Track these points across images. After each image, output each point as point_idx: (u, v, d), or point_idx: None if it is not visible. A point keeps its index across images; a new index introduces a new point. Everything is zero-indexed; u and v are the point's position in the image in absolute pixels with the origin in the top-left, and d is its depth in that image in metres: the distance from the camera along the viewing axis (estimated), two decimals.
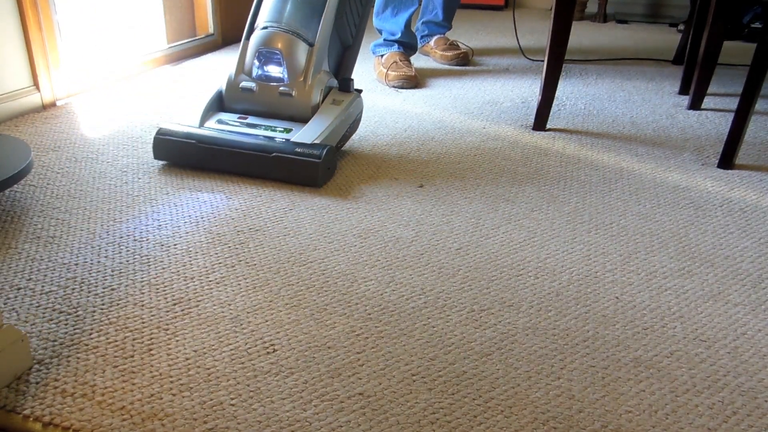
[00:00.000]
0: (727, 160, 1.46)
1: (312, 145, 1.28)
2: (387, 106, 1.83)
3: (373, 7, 2.16)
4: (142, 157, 1.41)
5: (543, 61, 1.68)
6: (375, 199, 1.25)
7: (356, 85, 1.49)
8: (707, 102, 1.91)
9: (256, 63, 1.38)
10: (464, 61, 2.32)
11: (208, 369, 0.79)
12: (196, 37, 2.40)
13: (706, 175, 1.42)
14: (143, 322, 0.87)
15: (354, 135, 1.52)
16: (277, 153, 1.28)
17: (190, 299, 0.92)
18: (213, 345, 0.83)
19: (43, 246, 1.05)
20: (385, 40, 2.18)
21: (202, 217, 1.16)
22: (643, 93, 2.04)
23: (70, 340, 0.83)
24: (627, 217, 1.21)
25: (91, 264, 1.00)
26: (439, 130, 1.65)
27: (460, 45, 2.37)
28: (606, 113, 1.84)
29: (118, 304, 0.91)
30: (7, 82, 1.59)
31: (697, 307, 0.94)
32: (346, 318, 0.89)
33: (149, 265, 1.00)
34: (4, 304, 0.90)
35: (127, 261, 1.01)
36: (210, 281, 0.97)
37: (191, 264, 1.01)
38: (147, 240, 1.08)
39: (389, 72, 2.05)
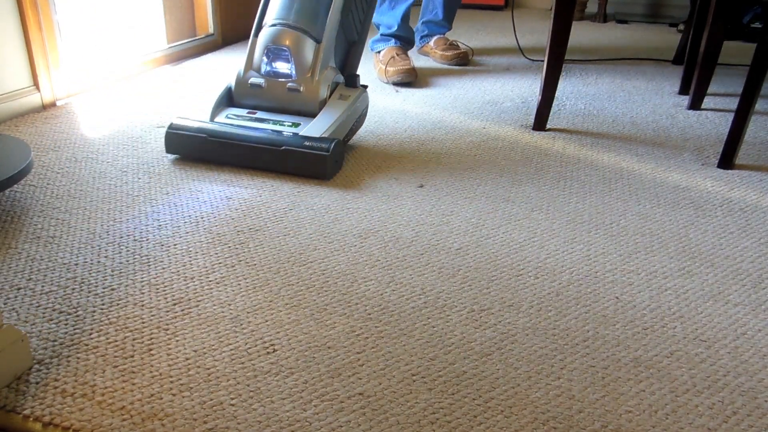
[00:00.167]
0: (727, 160, 1.46)
1: (320, 139, 1.32)
2: (387, 106, 1.83)
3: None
4: (142, 157, 1.41)
5: (543, 61, 1.68)
6: (375, 199, 1.25)
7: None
8: (707, 102, 1.91)
9: (265, 59, 1.42)
10: (464, 61, 2.32)
11: (208, 369, 0.79)
12: (196, 37, 2.40)
13: (706, 175, 1.42)
14: (143, 322, 0.87)
15: (354, 134, 1.53)
16: (287, 146, 1.31)
17: (190, 299, 0.92)
18: (213, 345, 0.83)
19: (43, 246, 1.05)
20: (381, 35, 2.20)
21: (202, 217, 1.16)
22: (643, 93, 2.04)
23: (70, 340, 0.83)
24: (627, 217, 1.21)
25: (91, 264, 1.00)
26: (439, 130, 1.65)
27: (460, 45, 2.37)
28: (606, 113, 1.84)
29: (118, 304, 0.91)
30: (7, 82, 1.59)
31: (697, 307, 0.94)
32: (346, 318, 0.89)
33: (149, 265, 1.00)
34: (4, 304, 0.90)
35: (127, 261, 1.01)
36: (210, 281, 0.97)
37: (191, 264, 1.01)
38: (147, 240, 1.08)
39: (388, 68, 2.05)
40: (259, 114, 1.42)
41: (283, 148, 1.31)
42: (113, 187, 1.26)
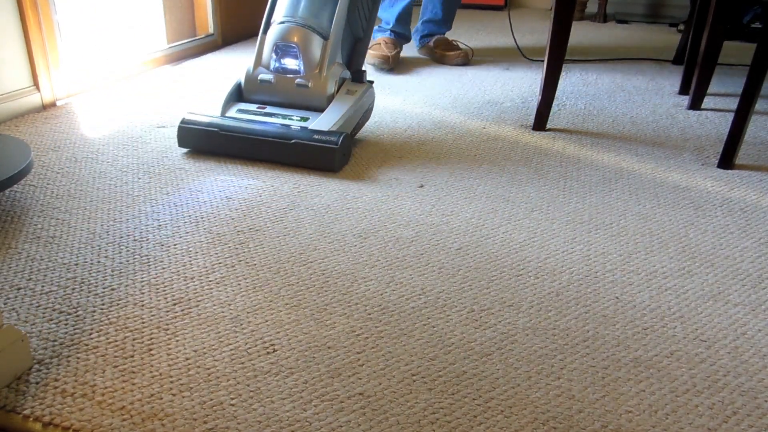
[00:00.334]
0: (727, 160, 1.46)
1: (329, 133, 1.36)
2: (387, 106, 1.83)
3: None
4: (142, 157, 1.41)
5: (543, 61, 1.68)
6: (375, 199, 1.25)
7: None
8: (707, 102, 1.91)
9: (274, 56, 1.46)
10: (464, 61, 2.32)
11: (208, 369, 0.79)
12: (196, 37, 2.40)
13: (706, 175, 1.42)
14: (143, 322, 0.87)
15: (360, 129, 1.57)
16: (297, 140, 1.35)
17: (190, 299, 0.92)
18: (213, 345, 0.83)
19: (43, 246, 1.05)
20: (378, 27, 2.30)
21: (202, 217, 1.16)
22: (643, 93, 2.04)
23: (70, 340, 0.83)
24: (627, 217, 1.21)
25: (91, 264, 1.00)
26: (439, 130, 1.65)
27: (460, 45, 2.37)
28: (606, 113, 1.84)
29: (118, 304, 0.91)
30: (7, 82, 1.59)
31: (697, 307, 0.94)
32: (346, 318, 0.89)
33: (149, 265, 1.00)
34: (4, 304, 0.90)
35: (127, 261, 1.01)
36: (210, 281, 0.97)
37: (191, 264, 1.01)
38: (147, 240, 1.08)
39: (369, 51, 2.15)
40: (269, 109, 1.46)
41: (293, 141, 1.35)
42: (113, 187, 1.26)
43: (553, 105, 1.75)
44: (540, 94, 1.65)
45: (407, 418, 0.72)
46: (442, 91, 2.00)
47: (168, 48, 2.23)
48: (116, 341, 0.83)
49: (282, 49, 1.44)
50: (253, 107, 1.47)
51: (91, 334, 0.84)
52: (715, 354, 0.84)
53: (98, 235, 1.09)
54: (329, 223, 1.15)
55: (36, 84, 1.66)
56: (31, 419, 0.71)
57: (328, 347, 0.83)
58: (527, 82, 2.14)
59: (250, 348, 0.82)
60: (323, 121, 1.40)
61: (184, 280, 0.97)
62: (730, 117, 1.55)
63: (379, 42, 2.24)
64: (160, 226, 1.12)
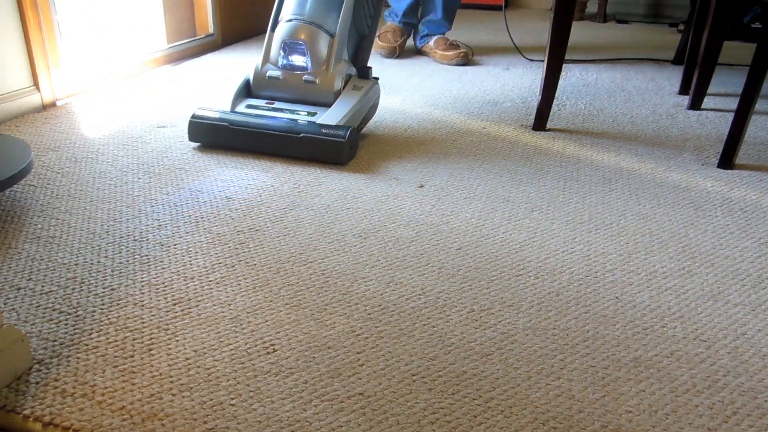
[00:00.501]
0: (727, 160, 1.46)
1: (336, 127, 1.40)
2: (387, 106, 1.83)
3: None
4: (142, 157, 1.41)
5: (543, 61, 1.68)
6: (375, 199, 1.25)
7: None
8: (707, 102, 1.91)
9: (282, 53, 1.50)
10: (464, 61, 2.32)
11: (208, 369, 0.79)
12: (196, 37, 2.40)
13: (706, 175, 1.42)
14: (143, 322, 0.87)
15: (366, 123, 1.60)
16: (305, 134, 1.39)
17: (190, 299, 0.92)
18: (213, 345, 0.83)
19: (43, 246, 1.05)
20: (388, 12, 2.43)
21: (202, 217, 1.16)
22: (643, 93, 2.04)
23: (70, 340, 0.83)
24: (627, 217, 1.21)
25: (91, 264, 1.00)
26: (439, 130, 1.65)
27: (460, 45, 2.37)
28: (606, 113, 1.84)
29: (118, 304, 0.91)
30: (7, 82, 1.59)
31: (697, 307, 0.94)
32: (346, 318, 0.89)
33: (149, 265, 1.00)
34: (4, 304, 0.90)
35: (127, 261, 1.01)
36: (210, 281, 0.97)
37: (191, 264, 1.01)
38: (147, 240, 1.08)
39: (377, 41, 2.29)
40: (277, 104, 1.50)
41: (302, 135, 1.39)
42: (113, 187, 1.26)
43: (553, 105, 1.75)
44: (540, 94, 1.65)
45: (407, 418, 0.72)
46: (442, 91, 2.00)
47: (168, 48, 2.23)
48: (116, 341, 0.83)
49: (290, 46, 1.48)
50: (261, 103, 1.51)
51: (91, 334, 0.84)
52: (715, 354, 0.84)
53: (98, 235, 1.09)
54: (329, 223, 1.15)
55: (36, 84, 1.66)
56: (31, 419, 0.71)
57: (328, 347, 0.83)
58: (527, 82, 2.14)
59: (250, 348, 0.82)
60: (331, 116, 1.44)
61: (184, 280, 0.97)
62: (730, 117, 1.55)
63: (387, 30, 2.36)
64: (160, 226, 1.12)
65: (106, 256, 1.02)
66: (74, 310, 0.89)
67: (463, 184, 1.33)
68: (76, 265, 1.00)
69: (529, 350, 0.84)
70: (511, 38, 2.52)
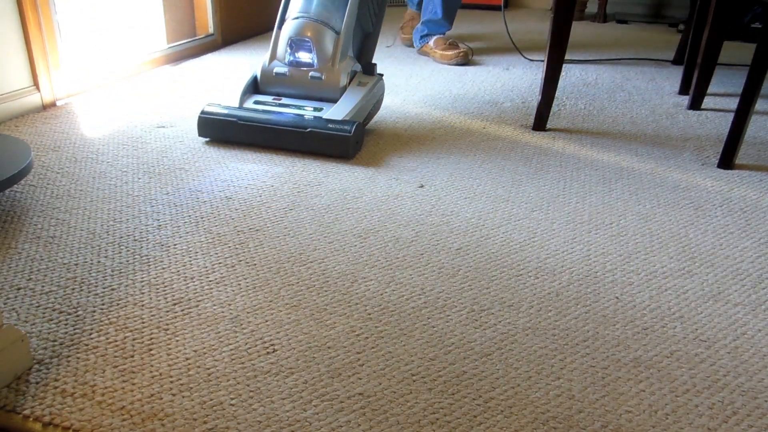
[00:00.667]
0: (727, 160, 1.46)
1: (342, 122, 1.43)
2: (387, 105, 1.83)
3: None
4: (142, 157, 1.41)
5: (543, 61, 1.68)
6: (375, 199, 1.25)
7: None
8: (707, 102, 1.91)
9: (288, 50, 1.53)
10: (464, 61, 2.32)
11: (208, 369, 0.79)
12: (196, 37, 2.40)
13: (706, 175, 1.42)
14: (143, 322, 0.87)
15: (371, 119, 1.62)
16: (312, 128, 1.43)
17: (190, 299, 0.92)
18: (213, 345, 0.83)
19: (43, 246, 1.05)
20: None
21: (202, 217, 1.16)
22: (643, 93, 2.04)
23: (70, 340, 0.83)
24: (627, 217, 1.21)
25: (91, 264, 1.00)
26: (439, 130, 1.65)
27: (460, 45, 2.37)
28: (606, 113, 1.84)
29: (118, 304, 0.91)
30: (7, 82, 1.59)
31: (697, 307, 0.94)
32: (346, 318, 0.89)
33: (149, 265, 1.00)
34: (4, 304, 0.90)
35: (127, 261, 1.01)
36: (210, 281, 0.97)
37: (191, 264, 1.01)
38: (147, 240, 1.08)
39: (400, 32, 2.62)
40: (284, 100, 1.54)
41: (309, 130, 1.42)
42: (113, 187, 1.26)
43: (553, 105, 1.75)
44: (540, 94, 1.65)
45: (407, 418, 0.72)
46: (442, 91, 2.00)
47: (168, 48, 2.23)
48: (116, 341, 0.83)
49: (296, 43, 1.51)
50: (269, 99, 1.54)
51: (91, 334, 0.84)
52: (715, 354, 0.84)
53: (98, 235, 1.09)
54: (329, 223, 1.15)
55: (36, 84, 1.66)
56: (31, 419, 0.71)
57: (328, 347, 0.83)
58: (527, 82, 2.14)
59: (250, 348, 0.82)
60: (337, 111, 1.47)
61: (184, 280, 0.97)
62: (730, 117, 1.55)
63: (408, 20, 2.55)
64: (160, 226, 1.12)
65: (106, 256, 1.02)
66: (74, 310, 0.89)
67: (463, 184, 1.33)
68: (76, 265, 1.00)
69: (529, 350, 0.84)
70: (511, 38, 2.52)
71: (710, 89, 1.95)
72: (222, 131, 1.49)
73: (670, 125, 1.74)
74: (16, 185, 1.23)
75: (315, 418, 0.71)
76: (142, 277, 0.97)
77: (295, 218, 1.17)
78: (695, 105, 1.88)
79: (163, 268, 1.00)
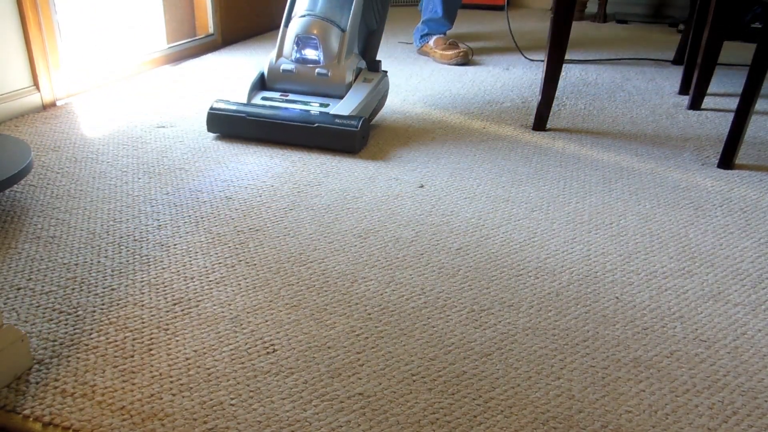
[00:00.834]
0: (727, 160, 1.46)
1: (349, 117, 1.47)
2: (387, 105, 1.83)
3: None
4: (142, 157, 1.41)
5: (543, 61, 1.68)
6: (375, 199, 1.25)
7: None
8: (707, 102, 1.91)
9: (295, 47, 1.56)
10: (464, 61, 2.32)
11: (208, 369, 0.79)
12: (196, 37, 2.40)
13: (706, 175, 1.42)
14: (143, 322, 0.87)
15: (376, 114, 1.65)
16: (319, 124, 1.46)
17: (190, 299, 0.92)
18: (213, 345, 0.83)
19: (43, 246, 1.05)
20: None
21: (202, 217, 1.16)
22: (643, 93, 2.04)
23: (70, 340, 0.83)
24: (627, 217, 1.21)
25: (91, 264, 1.00)
26: (439, 130, 1.65)
27: (460, 45, 2.37)
28: (606, 113, 1.83)
29: (118, 304, 0.91)
30: (7, 82, 1.59)
31: (697, 307, 0.94)
32: (346, 318, 0.89)
33: (149, 265, 1.00)
34: (4, 304, 0.90)
35: (127, 261, 1.01)
36: (210, 281, 0.97)
37: (191, 264, 1.01)
38: (147, 240, 1.08)
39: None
40: (291, 96, 1.57)
41: (316, 125, 1.46)
42: (113, 187, 1.26)
43: (553, 105, 1.75)
44: (540, 94, 1.65)
45: (407, 418, 0.72)
46: (442, 90, 2.00)
47: (168, 48, 2.23)
48: (116, 341, 0.83)
49: (303, 40, 1.54)
50: (276, 95, 1.57)
51: (91, 334, 0.84)
52: (715, 354, 0.84)
53: (98, 235, 1.09)
54: (329, 223, 1.15)
55: (36, 84, 1.66)
56: (31, 419, 0.71)
57: (328, 347, 0.83)
58: (527, 82, 2.14)
59: (250, 348, 0.82)
60: (343, 107, 1.51)
61: (184, 280, 0.97)
62: (730, 117, 1.55)
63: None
64: (160, 226, 1.12)
65: (106, 256, 1.02)
66: (74, 310, 0.89)
67: (463, 184, 1.33)
68: (76, 265, 1.00)
69: (529, 350, 0.84)
70: (513, 38, 2.52)
71: (710, 89, 1.95)
72: (231, 126, 1.52)
73: (670, 125, 1.74)
74: (16, 185, 1.23)
75: (315, 418, 0.71)
76: (142, 277, 0.97)
77: (295, 218, 1.17)
78: (695, 105, 1.88)
79: (163, 268, 1.00)
